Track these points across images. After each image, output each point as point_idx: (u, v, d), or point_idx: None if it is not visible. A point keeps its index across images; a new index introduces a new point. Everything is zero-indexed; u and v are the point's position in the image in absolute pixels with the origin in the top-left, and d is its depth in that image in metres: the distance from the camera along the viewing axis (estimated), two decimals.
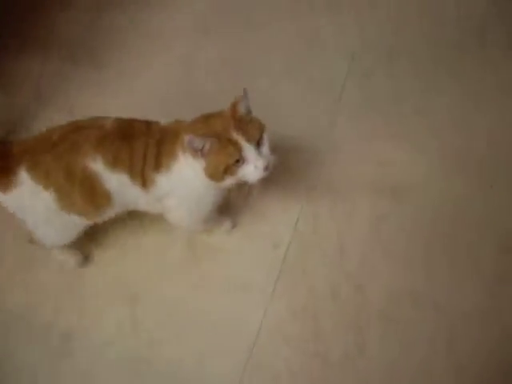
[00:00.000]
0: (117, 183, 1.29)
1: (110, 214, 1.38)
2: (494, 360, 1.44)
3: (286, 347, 1.48)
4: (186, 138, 1.19)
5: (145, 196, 1.33)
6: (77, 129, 1.28)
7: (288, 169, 1.60)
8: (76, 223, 1.40)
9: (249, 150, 1.21)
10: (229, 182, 1.25)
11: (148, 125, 1.30)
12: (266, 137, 1.24)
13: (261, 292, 1.52)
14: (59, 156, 1.25)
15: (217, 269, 1.55)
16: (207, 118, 1.25)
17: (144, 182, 1.30)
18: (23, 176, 1.26)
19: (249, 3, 2.01)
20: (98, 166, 1.25)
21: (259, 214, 1.60)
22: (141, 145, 1.26)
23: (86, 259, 1.59)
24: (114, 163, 1.26)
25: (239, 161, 1.21)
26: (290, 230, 1.58)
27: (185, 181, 1.30)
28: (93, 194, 1.29)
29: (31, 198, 1.29)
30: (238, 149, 1.20)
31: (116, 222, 1.49)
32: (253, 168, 1.22)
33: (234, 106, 1.23)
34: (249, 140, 1.20)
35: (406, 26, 1.91)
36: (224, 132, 1.20)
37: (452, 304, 1.49)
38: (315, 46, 1.90)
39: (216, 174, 1.23)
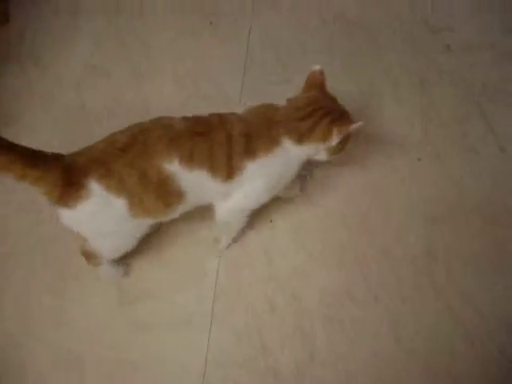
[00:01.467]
0: (193, 180, 1.25)
1: (177, 213, 1.34)
2: (439, 335, 1.45)
3: (237, 369, 1.43)
4: (345, 128, 1.28)
5: (221, 188, 1.30)
6: (143, 131, 1.24)
7: None
8: (141, 228, 1.34)
9: None
10: None
11: (221, 117, 1.30)
12: None
13: (201, 322, 1.48)
14: (131, 161, 1.21)
15: (152, 309, 1.51)
16: (299, 102, 1.33)
17: (230, 173, 1.27)
18: (94, 187, 1.20)
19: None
20: (173, 165, 1.22)
21: (182, 245, 1.59)
22: (222, 137, 1.25)
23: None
24: (192, 160, 1.23)
25: None
26: (216, 254, 1.59)
27: (283, 162, 1.31)
28: (166, 194, 1.25)
29: (102, 209, 1.22)
30: None
31: None
32: None
33: (322, 83, 1.34)
34: None
35: None
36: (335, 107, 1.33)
37: (389, 292, 1.51)
38: None
39: (341, 149, 1.35)
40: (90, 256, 1.44)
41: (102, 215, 1.25)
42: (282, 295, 1.52)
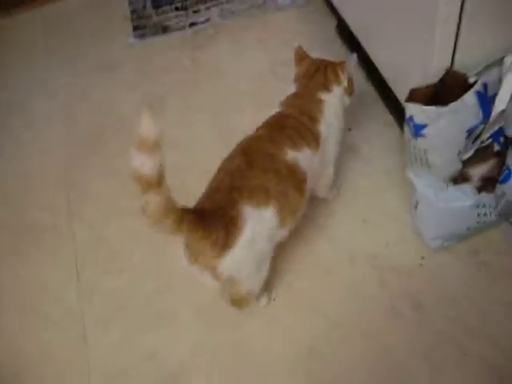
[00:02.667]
0: (304, 158, 1.32)
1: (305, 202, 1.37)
2: None
3: None
4: (344, 65, 1.45)
5: (318, 160, 1.38)
6: (245, 146, 1.32)
7: None
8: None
9: None
10: None
11: (281, 113, 1.42)
12: None
13: None
14: (262, 169, 1.25)
15: None
16: (302, 71, 1.50)
17: (316, 142, 1.37)
18: (246, 211, 1.19)
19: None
20: (289, 153, 1.29)
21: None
22: (294, 121, 1.37)
23: None
24: (296, 144, 1.31)
25: None
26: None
27: (335, 114, 1.44)
28: (298, 181, 1.30)
29: (257, 230, 1.21)
30: None
31: None
32: None
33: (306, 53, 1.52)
34: None
35: None
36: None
37: None
38: None
39: (352, 90, 1.49)
40: (240, 302, 1.37)
41: (258, 237, 1.22)
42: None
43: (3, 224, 1.66)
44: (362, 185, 1.56)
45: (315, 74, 1.47)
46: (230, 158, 1.29)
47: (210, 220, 1.16)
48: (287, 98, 1.46)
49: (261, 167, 1.25)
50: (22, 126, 1.91)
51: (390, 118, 1.67)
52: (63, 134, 1.84)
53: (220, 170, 1.28)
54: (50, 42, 2.16)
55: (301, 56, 1.52)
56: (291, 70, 1.82)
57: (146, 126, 1.01)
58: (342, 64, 1.47)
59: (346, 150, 1.58)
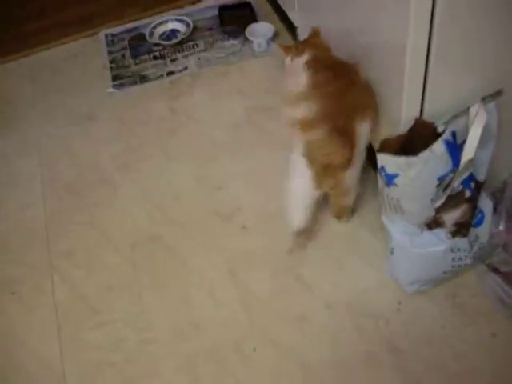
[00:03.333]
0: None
1: None
2: None
3: None
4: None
5: None
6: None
7: None
8: None
9: None
10: None
11: None
12: None
13: None
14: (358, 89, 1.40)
15: None
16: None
17: None
18: (358, 127, 1.36)
19: None
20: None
21: None
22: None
23: None
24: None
25: None
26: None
27: None
28: None
29: (361, 142, 1.38)
30: None
31: None
32: None
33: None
34: None
35: None
36: None
37: None
38: None
39: None
40: (344, 213, 1.55)
41: (362, 150, 1.41)
42: None
43: None
44: (338, 230, 1.58)
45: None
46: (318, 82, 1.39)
47: (341, 137, 1.32)
48: None
49: (357, 88, 1.38)
50: (1, 182, 1.90)
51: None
52: (42, 188, 1.83)
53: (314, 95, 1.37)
54: (34, 92, 2.17)
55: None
56: (267, 118, 1.87)
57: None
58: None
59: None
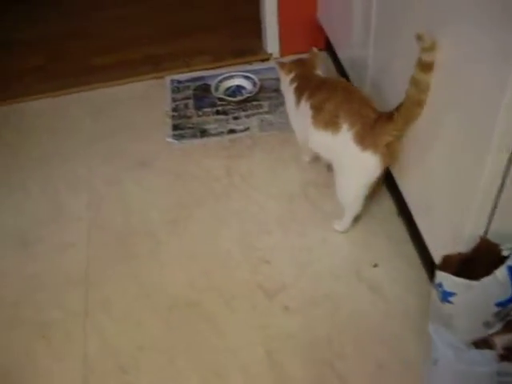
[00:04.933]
0: None
1: None
2: None
3: None
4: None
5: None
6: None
7: None
8: None
9: None
10: None
11: None
12: None
13: None
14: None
15: None
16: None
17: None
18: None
19: None
20: None
21: None
22: None
23: None
24: None
25: None
26: None
27: None
28: None
29: None
30: None
31: None
32: None
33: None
34: None
35: None
36: None
37: None
38: None
39: None
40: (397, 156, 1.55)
41: None
42: None
43: (17, 318, 1.62)
44: (379, 326, 1.52)
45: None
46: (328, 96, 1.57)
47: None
48: None
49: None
50: (47, 216, 1.89)
51: (416, 261, 1.64)
52: (88, 231, 1.82)
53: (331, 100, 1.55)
54: (93, 128, 2.19)
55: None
56: (323, 196, 1.83)
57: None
58: None
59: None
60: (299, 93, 1.68)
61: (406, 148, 1.51)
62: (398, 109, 1.41)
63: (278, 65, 1.80)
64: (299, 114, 1.69)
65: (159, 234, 1.79)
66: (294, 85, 1.72)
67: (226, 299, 1.60)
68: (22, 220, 1.88)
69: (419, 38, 1.24)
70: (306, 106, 1.63)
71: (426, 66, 1.27)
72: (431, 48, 1.23)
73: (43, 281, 1.69)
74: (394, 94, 1.48)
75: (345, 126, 1.49)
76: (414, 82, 1.32)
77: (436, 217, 1.43)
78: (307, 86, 1.67)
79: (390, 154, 1.49)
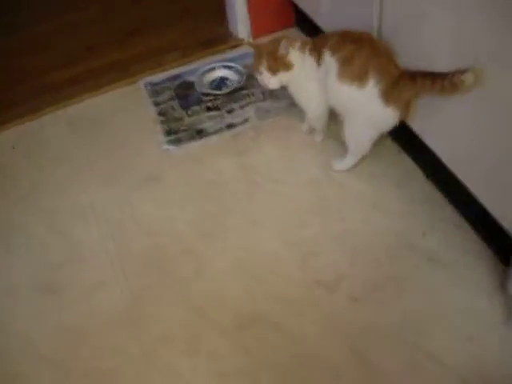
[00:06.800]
0: None
1: None
2: None
3: None
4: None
5: None
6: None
7: None
8: None
9: None
10: None
11: None
12: None
13: None
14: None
15: None
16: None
17: None
18: None
19: None
20: None
21: None
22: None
23: None
24: None
25: None
26: None
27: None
28: None
29: None
30: None
31: None
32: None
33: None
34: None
35: None
36: None
37: None
38: None
39: None
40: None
41: None
42: None
43: (58, 366, 1.48)
44: (451, 296, 1.49)
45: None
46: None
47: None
48: None
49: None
50: (61, 257, 1.71)
51: (461, 221, 1.62)
52: (112, 262, 1.66)
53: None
54: (82, 152, 2.01)
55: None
56: (347, 177, 1.76)
57: None
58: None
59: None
60: (318, 51, 1.65)
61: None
62: (424, 76, 1.42)
63: (285, 40, 1.69)
64: (320, 73, 1.67)
65: (197, 250, 1.67)
66: (309, 46, 1.69)
67: (290, 304, 1.51)
68: (37, 268, 1.69)
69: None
70: (331, 62, 1.60)
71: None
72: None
73: (85, 329, 1.53)
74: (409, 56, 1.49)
75: (372, 82, 1.52)
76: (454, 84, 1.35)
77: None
78: (326, 43, 1.63)
79: (407, 108, 1.57)
